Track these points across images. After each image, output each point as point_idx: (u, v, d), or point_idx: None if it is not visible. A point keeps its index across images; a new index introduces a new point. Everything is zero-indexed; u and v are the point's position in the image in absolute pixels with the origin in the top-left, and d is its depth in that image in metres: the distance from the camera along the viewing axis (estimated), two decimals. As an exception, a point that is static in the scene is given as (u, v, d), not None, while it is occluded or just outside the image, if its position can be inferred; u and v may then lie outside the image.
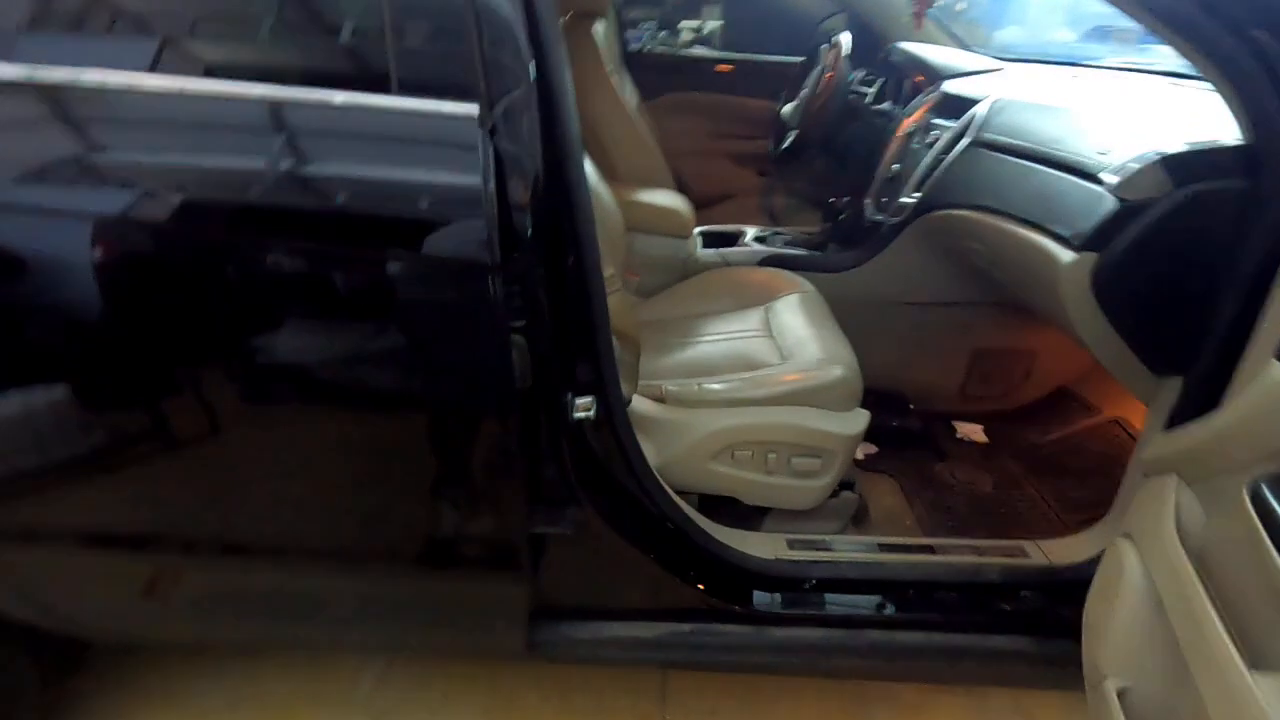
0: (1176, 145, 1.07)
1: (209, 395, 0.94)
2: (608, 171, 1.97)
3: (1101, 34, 2.36)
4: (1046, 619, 1.23)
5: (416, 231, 0.89)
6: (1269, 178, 0.93)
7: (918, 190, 1.73)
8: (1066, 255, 1.14)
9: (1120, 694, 0.89)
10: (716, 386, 1.35)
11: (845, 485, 1.46)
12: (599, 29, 1.94)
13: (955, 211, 1.57)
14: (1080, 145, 1.28)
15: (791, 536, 1.36)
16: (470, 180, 0.87)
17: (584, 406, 1.09)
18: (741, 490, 1.38)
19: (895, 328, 1.88)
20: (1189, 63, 0.97)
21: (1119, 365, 1.21)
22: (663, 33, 2.83)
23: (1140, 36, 2.06)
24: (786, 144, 2.13)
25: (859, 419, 1.36)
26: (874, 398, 1.38)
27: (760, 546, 1.32)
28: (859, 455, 1.73)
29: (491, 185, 0.88)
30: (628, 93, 2.14)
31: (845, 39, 2.02)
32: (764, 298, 1.70)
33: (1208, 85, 1.00)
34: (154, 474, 1.00)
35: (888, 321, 1.87)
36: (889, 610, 1.25)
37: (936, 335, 1.89)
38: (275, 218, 0.90)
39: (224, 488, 1.03)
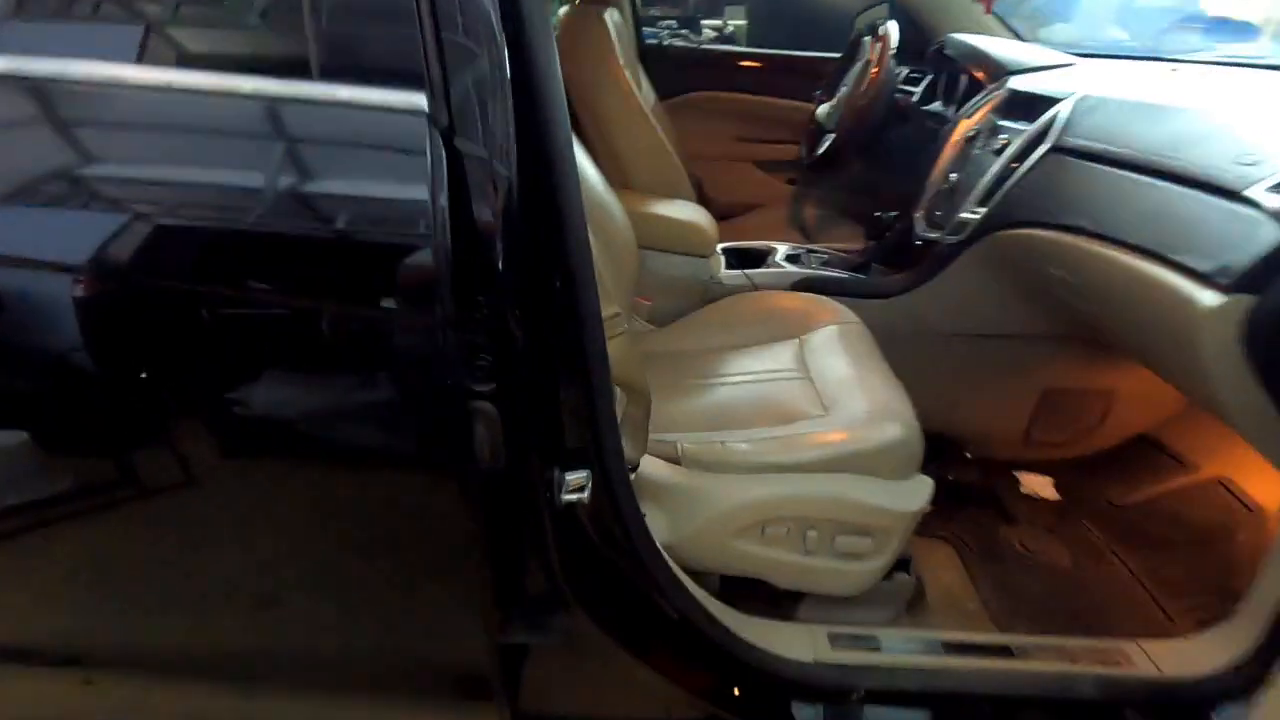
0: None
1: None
2: (618, 179, 1.73)
3: (1216, 26, 2.06)
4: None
5: (340, 264, 0.65)
6: None
7: (982, 205, 1.47)
8: (1209, 297, 0.88)
9: None
10: (744, 446, 1.10)
11: (899, 564, 1.20)
12: (612, 17, 1.70)
13: (1034, 232, 1.31)
14: (1210, 153, 1.01)
15: (834, 629, 1.11)
16: (413, 194, 0.63)
17: (576, 485, 0.85)
18: (773, 572, 1.13)
19: (950, 363, 1.62)
20: None
21: (1265, 436, 0.94)
22: (684, 31, 2.58)
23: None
24: (822, 149, 1.88)
25: (920, 490, 1.10)
26: (925, 444, 1.13)
27: (796, 643, 1.06)
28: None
29: (444, 201, 0.64)
30: (644, 90, 1.90)
31: (893, 29, 1.76)
32: (798, 329, 1.45)
33: None
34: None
35: (942, 356, 1.61)
36: (960, 736, 0.99)
37: (999, 372, 1.62)
38: (154, 236, 0.66)
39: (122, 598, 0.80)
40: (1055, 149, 1.32)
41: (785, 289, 1.61)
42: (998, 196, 1.42)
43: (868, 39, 1.88)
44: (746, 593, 1.16)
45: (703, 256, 1.61)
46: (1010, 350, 1.60)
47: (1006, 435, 1.69)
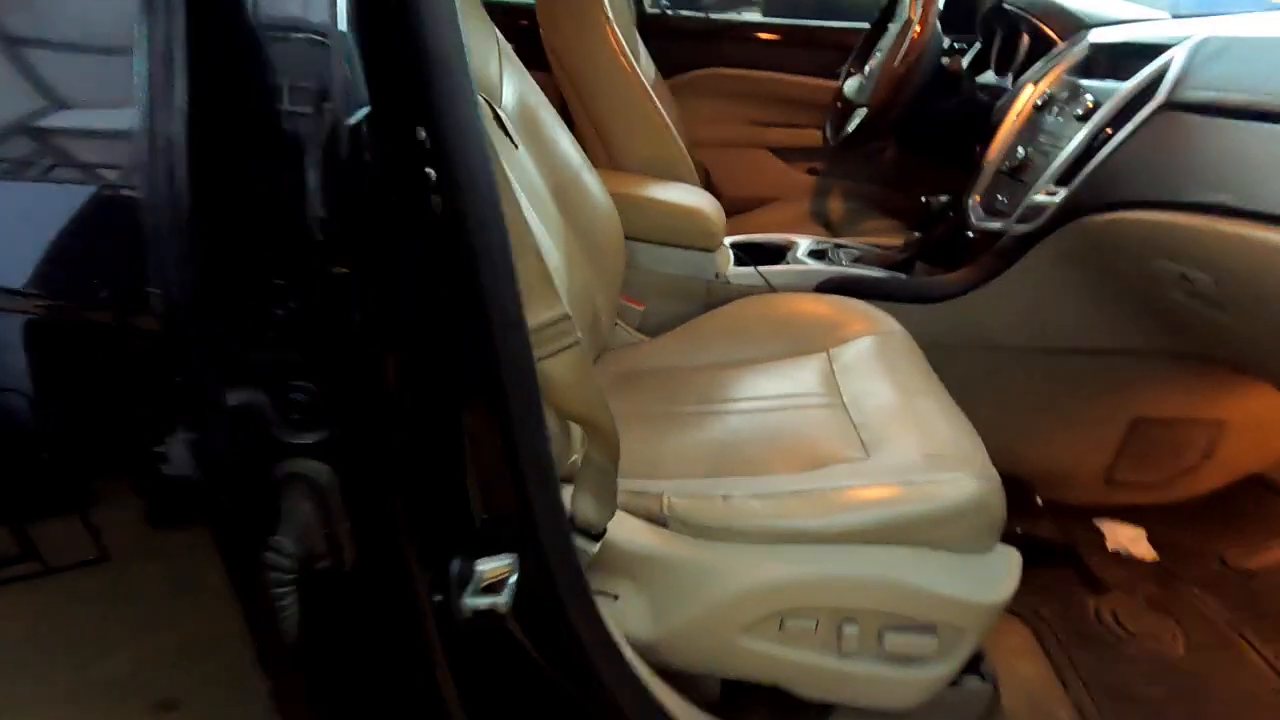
0: None
1: None
2: (604, 159, 1.43)
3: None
4: None
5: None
6: None
7: (1062, 184, 1.15)
8: None
9: None
10: (756, 504, 0.79)
11: (970, 663, 0.88)
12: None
13: (1142, 215, 0.99)
14: None
15: (882, 761, 0.79)
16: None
17: (492, 578, 0.55)
18: (795, 680, 0.81)
19: (1016, 385, 1.30)
20: None
21: None
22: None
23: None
24: (852, 127, 1.57)
25: (1005, 568, 0.78)
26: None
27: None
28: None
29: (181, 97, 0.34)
30: (641, 64, 1.61)
31: (940, -23, 1.46)
32: (826, 340, 1.13)
33: None
34: None
35: (1006, 375, 1.29)
36: None
37: (1078, 397, 1.30)
38: None
39: None
40: (1170, 105, 1.00)
41: (810, 291, 1.30)
42: (1085, 172, 1.10)
43: (907, -3, 1.58)
44: (755, 698, 0.85)
45: (706, 250, 1.30)
46: (1093, 369, 1.28)
47: (1085, 475, 1.36)
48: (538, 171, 1.03)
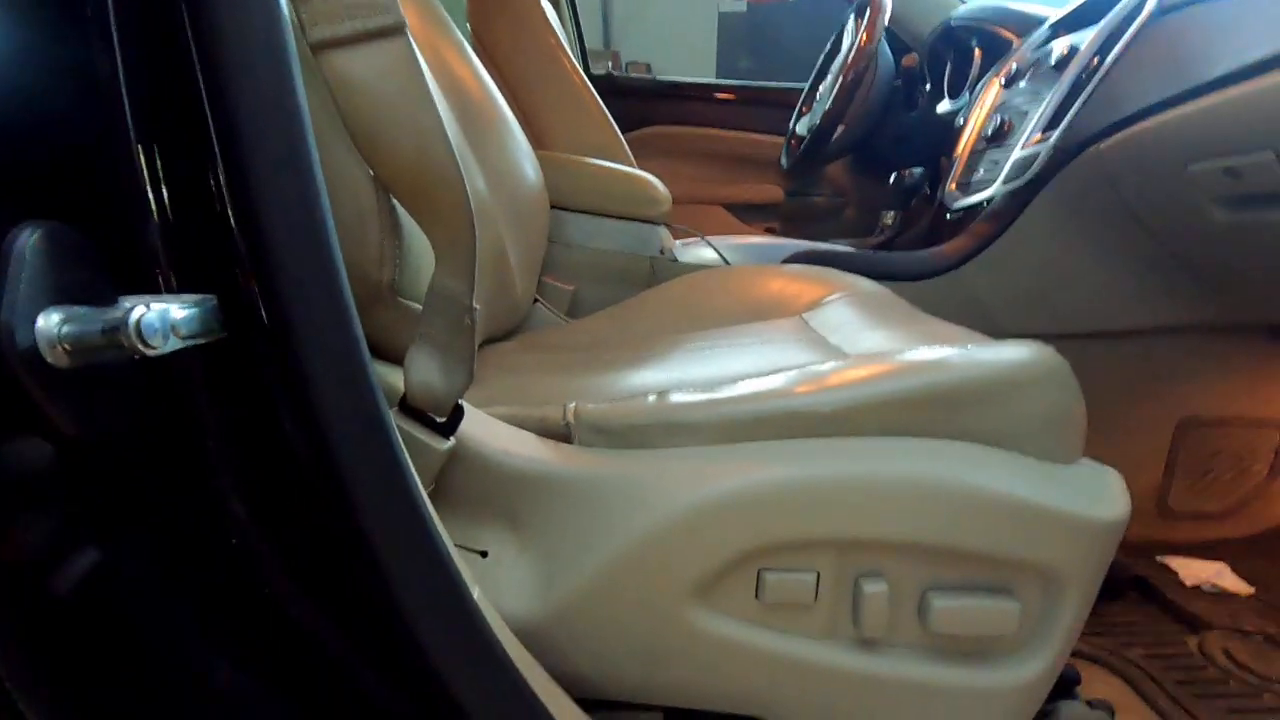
0: None
1: None
2: (536, 143, 1.27)
3: None
4: None
5: None
6: None
7: (1051, 128, 1.00)
8: None
9: None
10: (703, 396, 0.50)
11: (1064, 685, 0.55)
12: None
13: (1159, 119, 0.83)
14: None
15: None
16: None
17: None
18: (783, 696, 0.48)
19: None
20: None
21: None
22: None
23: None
24: (805, 142, 1.45)
25: (1103, 482, 0.50)
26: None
27: None
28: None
29: None
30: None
31: (885, -2, 1.41)
32: (796, 306, 0.90)
33: None
34: None
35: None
36: None
37: (1109, 396, 1.05)
38: None
39: None
40: (1161, 11, 0.88)
41: (776, 265, 1.08)
42: (1076, 106, 0.95)
43: (851, 20, 1.54)
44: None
45: (649, 222, 1.09)
46: (1121, 358, 1.05)
47: (1131, 500, 1.08)
48: (432, 70, 0.83)
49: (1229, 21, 0.78)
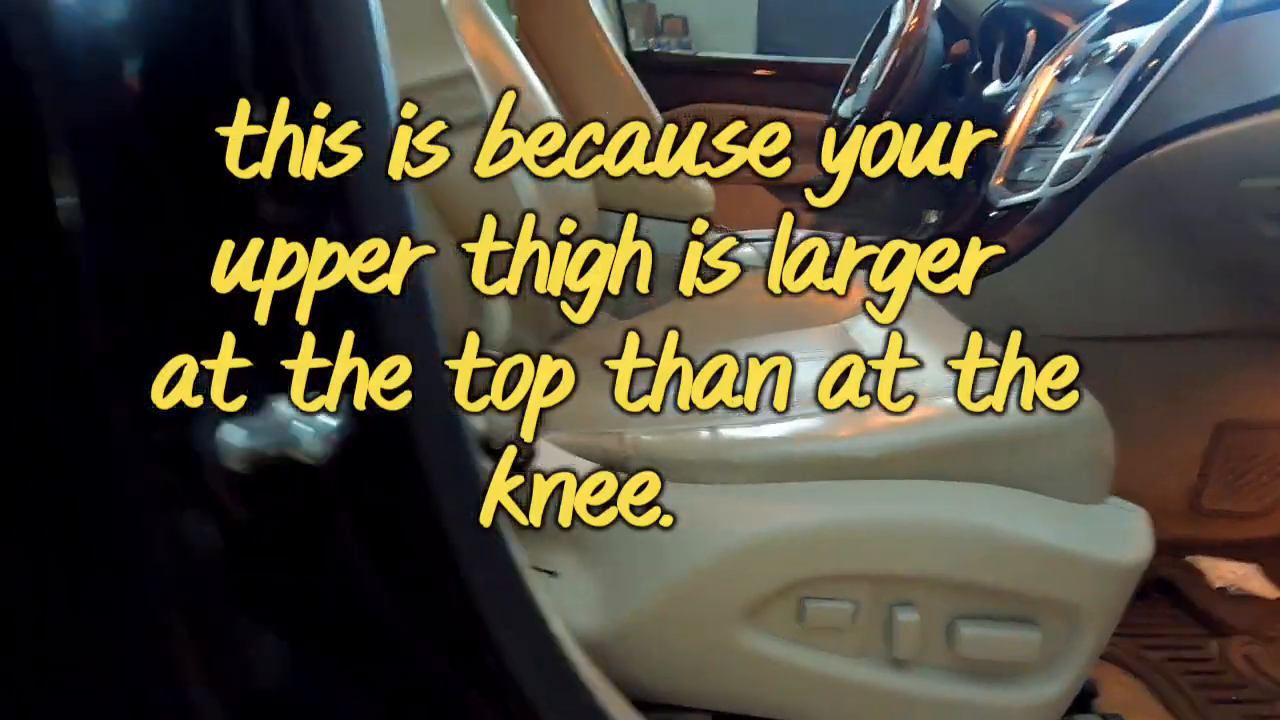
0: None
1: None
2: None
3: None
4: None
5: None
6: None
7: (1103, 132, 0.99)
8: None
9: None
10: (758, 432, 0.55)
11: (1081, 700, 0.60)
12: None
13: (1212, 132, 0.82)
14: None
15: None
16: None
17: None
18: (822, 708, 0.53)
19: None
20: None
21: None
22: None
23: None
24: (849, 125, 1.44)
25: (1129, 523, 0.53)
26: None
27: None
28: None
29: None
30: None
31: (933, -21, 1.38)
32: (837, 315, 0.93)
33: None
34: None
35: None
36: None
37: (1148, 399, 1.06)
38: None
39: None
40: (1225, 16, 0.86)
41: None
42: (1134, 105, 0.94)
43: (900, 1, 1.51)
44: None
45: (687, 223, 1.12)
46: (1162, 361, 1.05)
47: (1167, 499, 1.10)
48: (485, 76, 0.86)
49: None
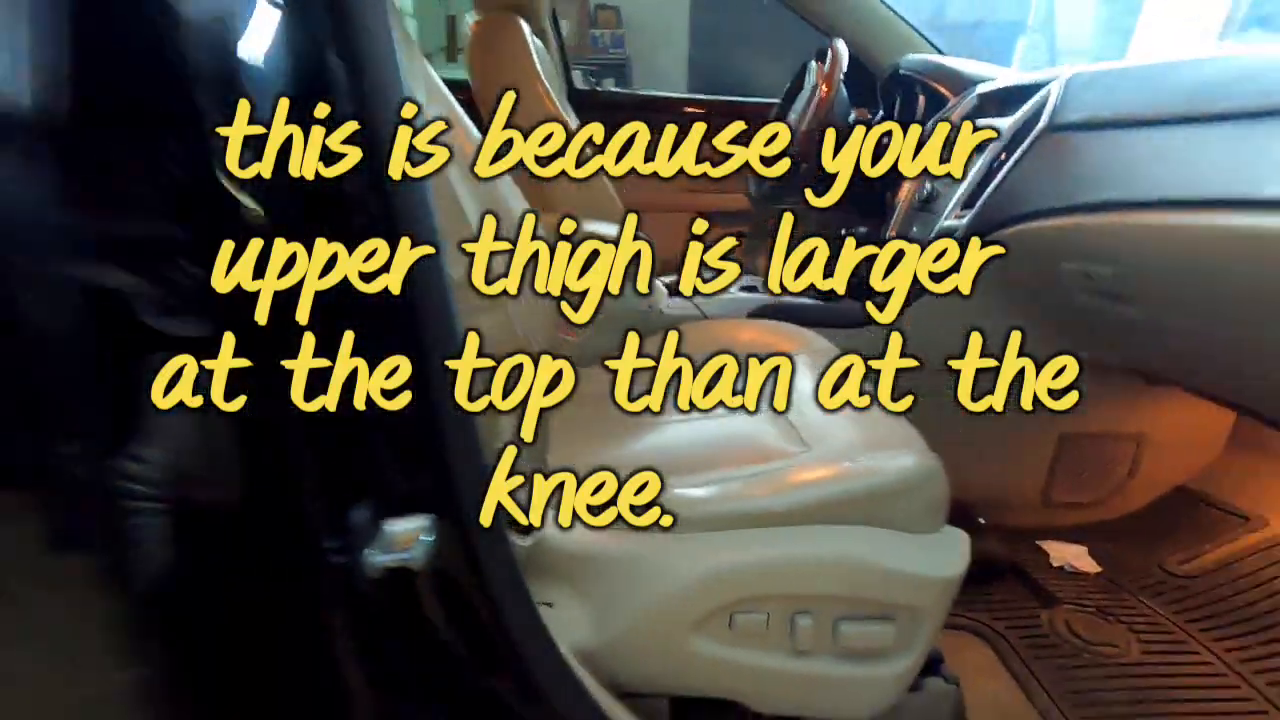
0: None
1: None
2: (538, 203, 1.45)
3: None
4: None
5: None
6: None
7: (967, 208, 1.23)
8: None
9: None
10: (698, 493, 0.75)
11: (927, 666, 0.83)
12: (526, 28, 1.49)
13: (1041, 224, 1.06)
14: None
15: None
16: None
17: (404, 542, 0.49)
18: (749, 687, 0.75)
19: (947, 407, 1.32)
20: None
21: None
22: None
23: None
24: (770, 182, 1.66)
25: (954, 547, 0.76)
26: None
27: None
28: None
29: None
30: (570, 119, 1.68)
31: (841, 47, 1.60)
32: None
33: None
34: None
35: (938, 395, 1.31)
36: None
37: (1005, 414, 1.32)
38: None
39: None
40: (1052, 128, 1.10)
41: (741, 318, 1.31)
42: (986, 194, 1.18)
43: (814, 64, 1.72)
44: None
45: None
46: (1018, 385, 1.31)
47: (1020, 497, 1.37)
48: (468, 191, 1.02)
49: (1100, 153, 1.01)
